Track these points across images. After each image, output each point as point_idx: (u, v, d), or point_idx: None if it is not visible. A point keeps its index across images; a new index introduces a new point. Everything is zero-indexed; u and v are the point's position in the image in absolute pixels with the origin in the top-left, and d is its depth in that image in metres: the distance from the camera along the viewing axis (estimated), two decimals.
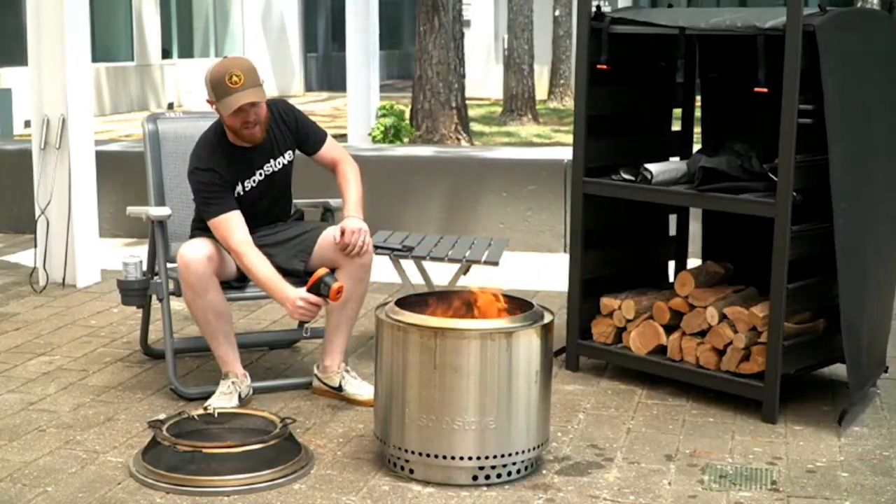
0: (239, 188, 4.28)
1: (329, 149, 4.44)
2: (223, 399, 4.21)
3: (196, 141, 4.33)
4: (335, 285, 4.00)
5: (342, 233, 4.21)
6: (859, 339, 4.19)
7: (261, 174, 4.32)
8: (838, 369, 4.57)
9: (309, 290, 4.03)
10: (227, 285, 4.30)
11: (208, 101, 4.20)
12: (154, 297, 4.62)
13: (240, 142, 4.25)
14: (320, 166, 4.48)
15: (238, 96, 4.08)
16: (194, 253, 4.15)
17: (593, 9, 4.61)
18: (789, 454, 3.89)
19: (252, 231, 4.32)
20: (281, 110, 4.37)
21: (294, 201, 4.67)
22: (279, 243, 4.38)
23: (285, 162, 4.38)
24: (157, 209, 4.57)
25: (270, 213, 4.44)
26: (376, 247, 4.78)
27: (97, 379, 4.68)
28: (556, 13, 20.06)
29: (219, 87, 4.12)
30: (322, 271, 4.04)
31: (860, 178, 4.18)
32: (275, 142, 4.33)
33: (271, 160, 4.33)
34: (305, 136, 4.40)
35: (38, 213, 6.23)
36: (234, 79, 4.08)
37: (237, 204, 4.23)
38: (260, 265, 4.13)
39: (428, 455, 3.58)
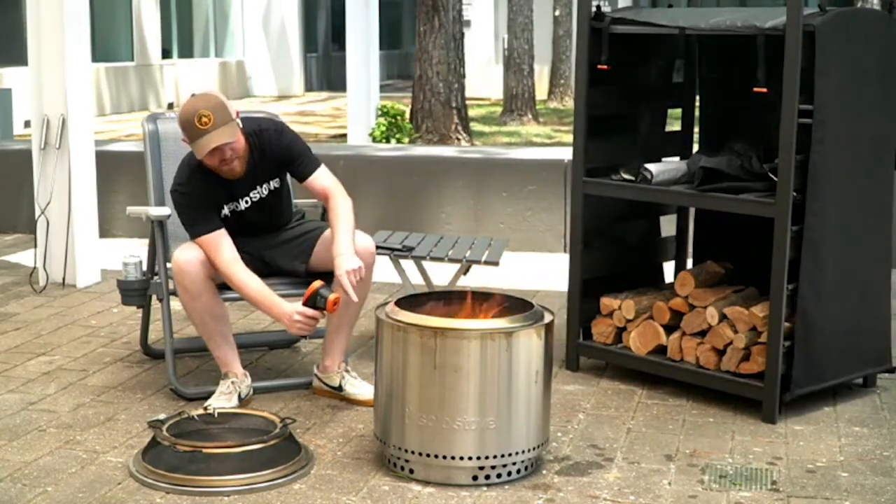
0: (225, 210, 4.23)
1: (320, 178, 4.25)
2: (223, 399, 4.21)
3: (183, 156, 4.25)
4: (331, 297, 3.97)
5: (340, 277, 4.03)
6: (813, 333, 4.18)
7: (247, 201, 4.25)
8: None
9: (305, 304, 4.00)
10: (226, 286, 4.29)
11: (183, 142, 4.11)
12: (154, 297, 4.62)
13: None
14: (310, 193, 4.35)
15: (209, 138, 3.98)
16: (188, 257, 4.14)
17: (593, 9, 4.61)
18: (789, 454, 3.89)
19: (251, 237, 4.30)
20: (271, 137, 4.20)
21: (294, 201, 4.66)
22: (279, 245, 4.38)
23: (272, 188, 4.28)
24: (157, 209, 4.56)
25: (266, 226, 4.38)
26: (377, 247, 4.77)
27: (97, 379, 4.68)
28: (556, 13, 20.05)
29: (190, 130, 4.00)
30: (317, 284, 4.00)
31: (840, 179, 4.18)
32: (260, 170, 4.22)
33: (257, 187, 4.25)
34: (295, 163, 4.24)
35: (38, 213, 6.24)
36: (204, 119, 3.96)
37: (223, 222, 4.17)
38: (251, 283, 4.09)
39: (428, 455, 3.58)
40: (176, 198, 4.21)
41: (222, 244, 4.12)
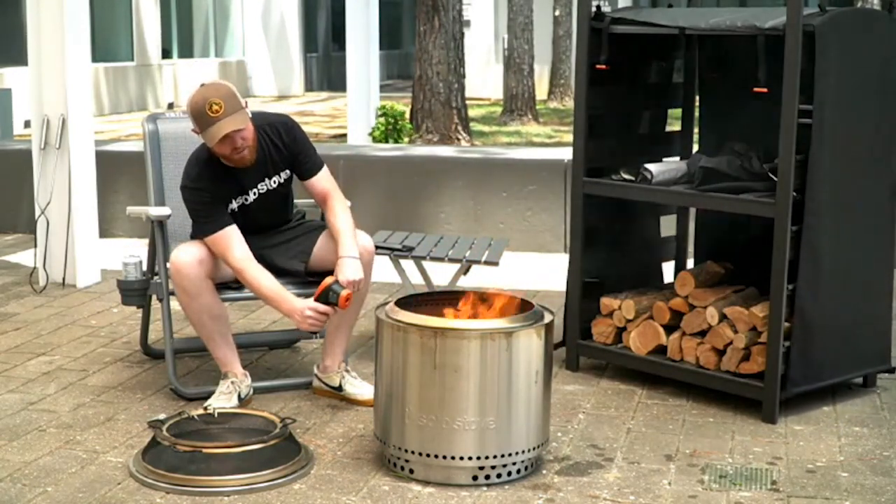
0: (233, 205, 4.23)
1: (322, 180, 4.30)
2: (223, 399, 4.21)
3: (191, 152, 4.26)
4: (344, 293, 3.99)
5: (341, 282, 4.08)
6: (810, 332, 4.17)
7: (255, 193, 4.25)
8: None
9: (317, 300, 4.01)
10: (225, 286, 4.30)
11: (194, 132, 4.12)
12: (154, 297, 4.62)
13: (233, 162, 4.18)
14: (309, 194, 4.37)
15: (220, 126, 3.99)
16: (186, 257, 4.14)
17: (593, 9, 4.62)
18: (789, 454, 3.89)
19: (251, 235, 4.30)
20: (280, 130, 4.25)
21: (295, 201, 4.66)
22: (279, 244, 4.38)
23: (281, 181, 4.29)
24: (157, 209, 4.56)
25: (270, 223, 4.39)
26: (377, 247, 4.78)
27: (97, 379, 4.68)
28: (556, 13, 20.06)
29: (200, 119, 4.02)
30: (329, 280, 4.02)
31: (840, 179, 4.18)
32: (269, 161, 4.24)
33: (266, 179, 4.26)
34: (300, 160, 4.28)
35: (38, 213, 6.24)
36: (215, 108, 3.98)
37: (232, 218, 4.18)
38: (263, 280, 4.10)
39: (428, 455, 3.58)
40: (186, 195, 4.21)
41: (234, 241, 4.12)
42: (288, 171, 4.31)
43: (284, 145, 4.25)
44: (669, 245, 5.18)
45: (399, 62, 29.71)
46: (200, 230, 4.18)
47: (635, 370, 4.67)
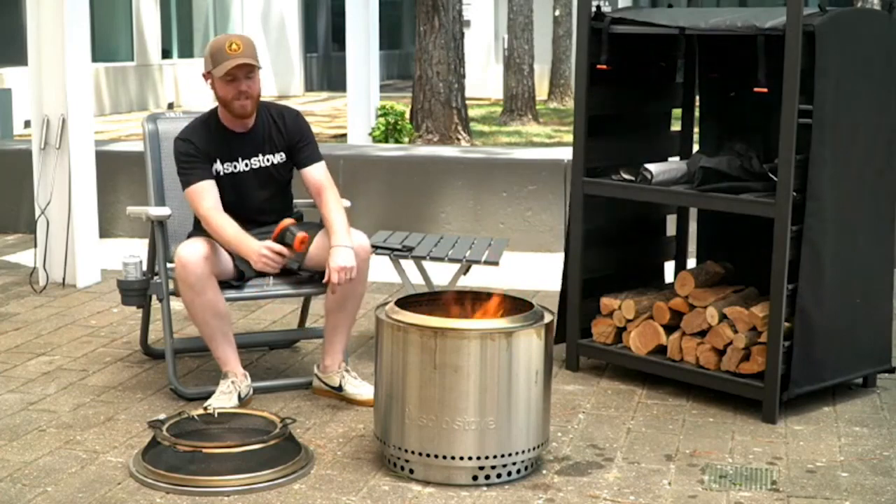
0: (218, 166, 4.31)
1: (318, 172, 4.36)
2: (223, 399, 4.21)
3: None
4: (300, 234, 4.10)
5: (331, 271, 4.10)
6: (812, 333, 4.17)
7: (246, 165, 4.34)
8: None
9: (274, 240, 4.12)
10: (225, 285, 4.30)
11: (204, 76, 4.31)
12: (154, 297, 4.62)
13: (230, 123, 4.29)
14: (304, 185, 4.40)
15: (234, 60, 4.18)
16: (191, 253, 4.15)
17: (593, 9, 4.62)
18: (789, 454, 3.89)
19: (250, 230, 4.31)
20: (284, 114, 4.41)
21: (294, 201, 4.67)
22: None
23: (275, 161, 4.37)
24: (157, 209, 4.57)
25: (265, 210, 4.42)
26: (377, 247, 4.78)
27: (97, 379, 4.68)
28: (556, 13, 20.05)
29: (217, 54, 4.23)
30: (287, 221, 4.15)
31: (840, 179, 4.18)
32: (266, 137, 4.35)
33: (259, 154, 4.35)
34: (298, 146, 4.37)
35: (38, 213, 6.24)
36: (234, 46, 4.21)
37: (216, 180, 4.28)
38: (227, 226, 4.19)
39: (428, 455, 3.58)
40: (178, 145, 4.32)
41: (209, 193, 4.24)
42: (283, 155, 4.38)
43: (286, 128, 4.38)
44: (669, 245, 5.18)
45: (399, 62, 29.68)
46: (182, 182, 4.30)
47: (635, 370, 4.67)
